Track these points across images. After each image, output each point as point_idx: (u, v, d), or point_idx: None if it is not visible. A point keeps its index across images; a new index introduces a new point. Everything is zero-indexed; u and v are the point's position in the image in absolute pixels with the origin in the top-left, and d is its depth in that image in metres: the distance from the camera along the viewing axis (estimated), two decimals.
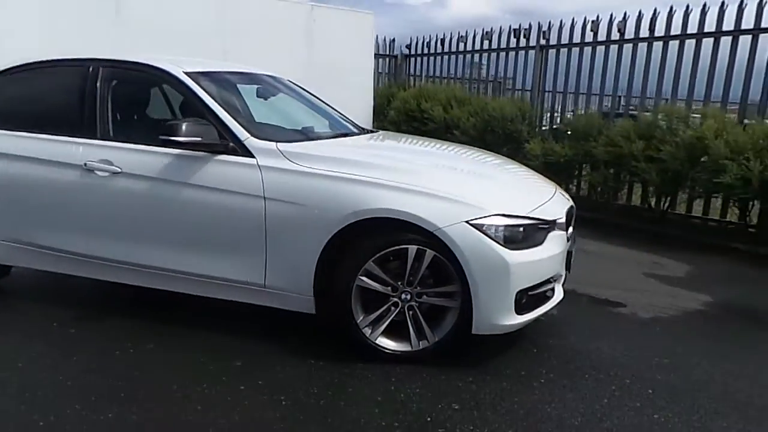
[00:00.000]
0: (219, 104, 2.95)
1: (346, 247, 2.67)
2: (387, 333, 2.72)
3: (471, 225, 2.53)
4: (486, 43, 7.98)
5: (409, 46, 9.45)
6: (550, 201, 2.95)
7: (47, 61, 3.38)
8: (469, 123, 7.15)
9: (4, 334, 3.02)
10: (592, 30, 6.67)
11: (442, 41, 8.73)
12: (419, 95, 8.09)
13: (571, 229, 3.02)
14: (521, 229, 2.62)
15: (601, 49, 6.71)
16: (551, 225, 2.75)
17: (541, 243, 2.68)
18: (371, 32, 8.48)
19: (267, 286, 2.82)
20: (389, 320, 2.70)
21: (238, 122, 2.90)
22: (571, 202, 3.14)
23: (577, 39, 6.91)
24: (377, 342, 2.71)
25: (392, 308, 2.70)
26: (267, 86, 3.77)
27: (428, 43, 9.02)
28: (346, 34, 8.06)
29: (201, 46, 6.70)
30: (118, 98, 3.20)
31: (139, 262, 3.02)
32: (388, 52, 9.58)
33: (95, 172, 3.02)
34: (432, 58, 9.02)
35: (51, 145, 3.17)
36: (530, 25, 7.34)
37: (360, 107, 8.15)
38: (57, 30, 5.68)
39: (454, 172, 3.10)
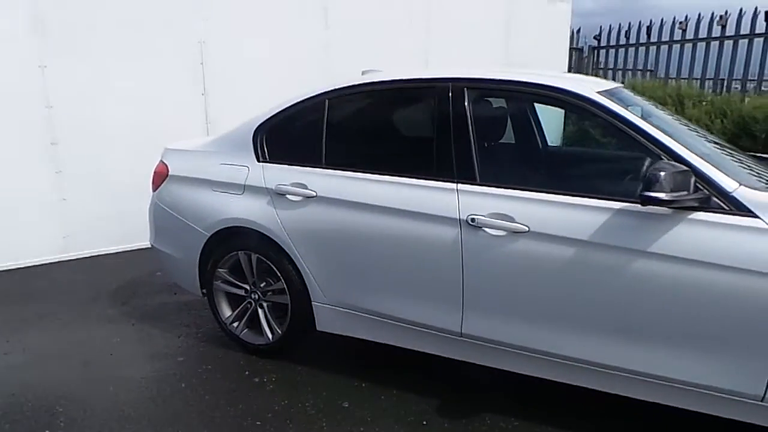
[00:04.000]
0: (674, 139, 2.12)
1: None
2: None
3: None
4: (719, 29, 6.76)
5: (598, 37, 8.35)
6: None
7: (387, 81, 2.70)
8: (714, 126, 6.02)
9: None
10: None
11: (648, 29, 7.57)
12: None
13: None
14: None
15: None
16: None
17: None
18: (566, 23, 7.53)
19: None
20: None
21: (710, 164, 2.06)
22: None
23: None
24: None
25: None
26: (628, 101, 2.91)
27: (627, 32, 7.89)
28: (541, 25, 7.18)
29: (402, 44, 6.08)
30: (498, 128, 2.46)
31: (551, 350, 2.26)
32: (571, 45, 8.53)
33: (483, 230, 2.28)
34: (633, 49, 7.88)
35: (405, 190, 2.47)
36: None
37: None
38: (272, 40, 5.25)
39: None
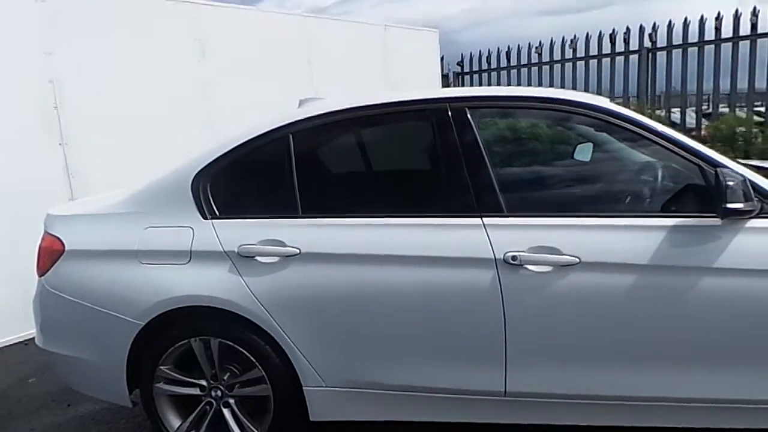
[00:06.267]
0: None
1: None
2: None
3: None
4: (570, 51, 7.42)
5: (461, 63, 8.70)
6: None
7: (363, 107, 2.24)
8: None
9: None
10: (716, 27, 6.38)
11: (508, 54, 8.07)
12: None
13: None
14: None
15: (710, 49, 6.48)
16: None
17: None
18: (436, 51, 7.75)
19: None
20: None
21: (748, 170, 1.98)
22: None
23: (684, 39, 6.60)
24: None
25: None
26: None
27: (488, 58, 8.32)
28: (415, 54, 7.32)
29: (288, 71, 5.64)
30: (511, 149, 2.16)
31: (620, 393, 1.97)
32: None
33: (525, 268, 1.95)
34: (495, 73, 8.32)
35: (418, 232, 2.05)
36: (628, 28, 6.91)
37: None
38: (149, 74, 4.49)
39: None
